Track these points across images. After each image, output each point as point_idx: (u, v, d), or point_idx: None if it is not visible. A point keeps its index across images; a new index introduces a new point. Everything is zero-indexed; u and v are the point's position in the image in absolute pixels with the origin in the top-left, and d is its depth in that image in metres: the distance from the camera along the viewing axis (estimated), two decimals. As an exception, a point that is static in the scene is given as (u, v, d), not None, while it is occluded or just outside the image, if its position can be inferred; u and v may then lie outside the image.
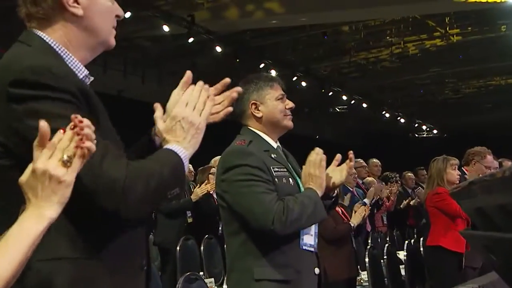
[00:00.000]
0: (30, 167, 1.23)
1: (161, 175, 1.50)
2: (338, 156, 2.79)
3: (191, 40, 11.10)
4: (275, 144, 2.76)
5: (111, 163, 1.43)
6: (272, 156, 2.65)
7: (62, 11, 1.60)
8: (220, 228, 6.94)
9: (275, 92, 2.75)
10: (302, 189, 2.66)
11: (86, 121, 1.24)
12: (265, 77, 2.82)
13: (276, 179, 2.58)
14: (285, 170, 2.66)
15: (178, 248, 5.45)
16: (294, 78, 14.35)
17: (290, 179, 2.65)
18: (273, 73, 12.29)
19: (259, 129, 2.75)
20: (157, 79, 13.95)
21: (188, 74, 1.73)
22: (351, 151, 2.80)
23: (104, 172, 1.41)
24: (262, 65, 13.02)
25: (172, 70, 12.97)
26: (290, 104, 2.77)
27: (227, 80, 1.83)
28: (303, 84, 14.59)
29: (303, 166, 2.66)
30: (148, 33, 11.79)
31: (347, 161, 2.81)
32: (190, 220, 6.57)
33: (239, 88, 1.90)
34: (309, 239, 2.65)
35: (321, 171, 2.61)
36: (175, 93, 1.70)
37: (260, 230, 2.49)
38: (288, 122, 2.76)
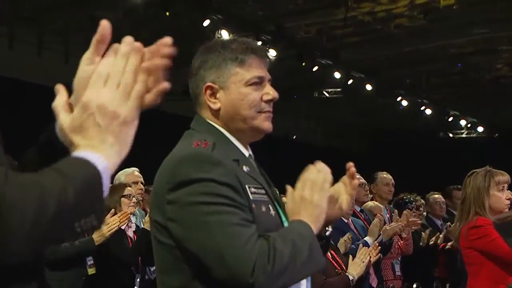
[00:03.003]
0: None
1: (65, 196, 1.46)
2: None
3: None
4: (246, 152, 2.78)
5: None
6: (245, 169, 2.65)
7: None
8: (136, 282, 6.98)
9: (245, 73, 2.71)
10: (286, 223, 2.68)
11: None
12: (237, 46, 2.77)
13: (253, 205, 2.57)
14: (264, 192, 2.68)
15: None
16: (258, 43, 14.41)
17: (270, 206, 2.67)
18: (225, 34, 12.30)
19: (220, 125, 2.74)
20: (34, 42, 13.82)
21: (104, 26, 1.64)
22: (351, 163, 2.82)
23: None
24: (206, 22, 13.03)
25: (55, 29, 12.89)
26: (270, 94, 2.74)
27: (167, 39, 1.72)
28: (273, 53, 14.67)
29: (288, 190, 2.67)
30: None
31: (344, 177, 2.84)
32: (91, 271, 6.57)
33: (169, 49, 1.73)
34: None
35: (322, 197, 2.64)
36: (85, 63, 1.65)
37: (230, 284, 2.44)
38: (263, 123, 2.74)
